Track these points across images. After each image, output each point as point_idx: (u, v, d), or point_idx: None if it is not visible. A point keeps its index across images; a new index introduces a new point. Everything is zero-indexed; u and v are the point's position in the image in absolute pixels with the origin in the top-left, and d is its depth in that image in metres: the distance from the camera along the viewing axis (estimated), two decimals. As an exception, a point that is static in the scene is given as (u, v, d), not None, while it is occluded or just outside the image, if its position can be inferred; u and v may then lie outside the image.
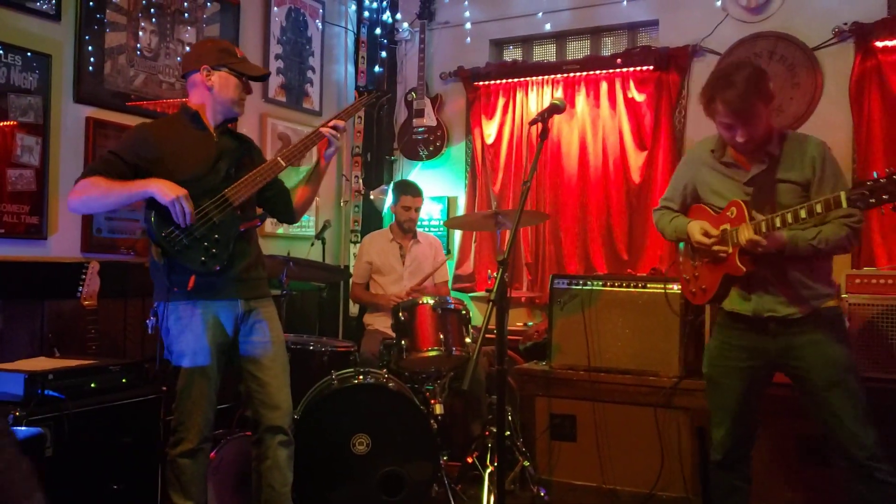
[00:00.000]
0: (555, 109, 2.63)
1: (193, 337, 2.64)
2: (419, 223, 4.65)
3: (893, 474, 2.42)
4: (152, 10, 3.84)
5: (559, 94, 4.84)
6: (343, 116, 2.89)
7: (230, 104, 2.76)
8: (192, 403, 2.66)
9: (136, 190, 2.54)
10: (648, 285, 3.69)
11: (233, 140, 2.81)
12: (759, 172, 2.57)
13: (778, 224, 2.40)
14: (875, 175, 2.22)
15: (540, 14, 4.99)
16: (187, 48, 4.00)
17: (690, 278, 2.78)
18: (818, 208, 2.31)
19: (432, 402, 3.53)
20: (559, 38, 5.15)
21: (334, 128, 2.80)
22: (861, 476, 2.44)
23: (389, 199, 5.28)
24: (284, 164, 2.72)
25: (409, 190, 4.44)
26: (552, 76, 4.90)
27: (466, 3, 5.20)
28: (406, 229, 4.42)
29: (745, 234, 2.46)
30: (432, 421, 3.41)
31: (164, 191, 2.49)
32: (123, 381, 2.86)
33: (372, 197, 5.32)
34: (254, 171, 2.68)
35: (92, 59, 3.54)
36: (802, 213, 2.35)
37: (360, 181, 5.27)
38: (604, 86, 4.76)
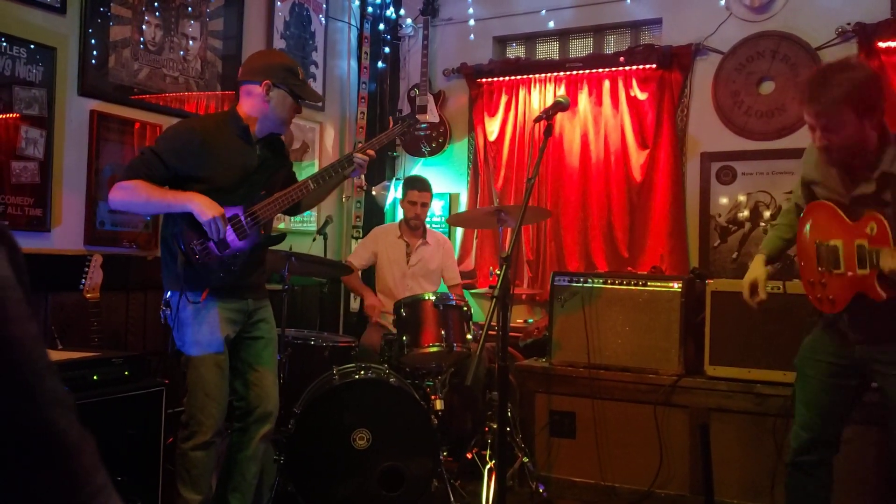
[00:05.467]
0: (559, 107, 2.63)
1: (209, 328, 2.67)
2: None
3: None
4: (156, 3, 3.84)
5: (562, 91, 4.84)
6: (375, 145, 2.94)
7: (280, 122, 2.79)
8: (205, 395, 2.67)
9: (176, 204, 2.58)
10: (649, 283, 3.70)
11: (271, 153, 2.84)
12: (866, 194, 2.36)
13: None
14: None
15: (543, 11, 4.99)
16: (192, 42, 4.01)
17: (816, 283, 2.51)
18: None
19: (433, 397, 3.54)
20: (562, 35, 5.15)
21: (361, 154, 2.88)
22: None
23: (392, 194, 5.30)
24: (313, 187, 2.79)
25: (415, 184, 4.37)
26: (555, 74, 4.91)
27: (470, -1, 5.21)
28: (413, 226, 4.38)
29: (890, 262, 2.19)
30: (433, 416, 3.42)
31: (203, 210, 2.52)
32: (126, 373, 2.87)
33: (374, 193, 5.32)
34: (284, 192, 2.74)
35: (96, 53, 3.54)
36: None
37: (363, 177, 5.28)
38: (606, 84, 4.76)
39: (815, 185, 2.55)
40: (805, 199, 2.62)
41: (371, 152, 2.89)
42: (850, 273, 2.36)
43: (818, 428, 2.57)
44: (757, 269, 2.70)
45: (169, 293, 2.69)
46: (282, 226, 4.64)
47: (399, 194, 4.74)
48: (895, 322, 2.35)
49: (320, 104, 5.02)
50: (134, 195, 2.57)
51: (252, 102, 2.74)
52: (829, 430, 2.57)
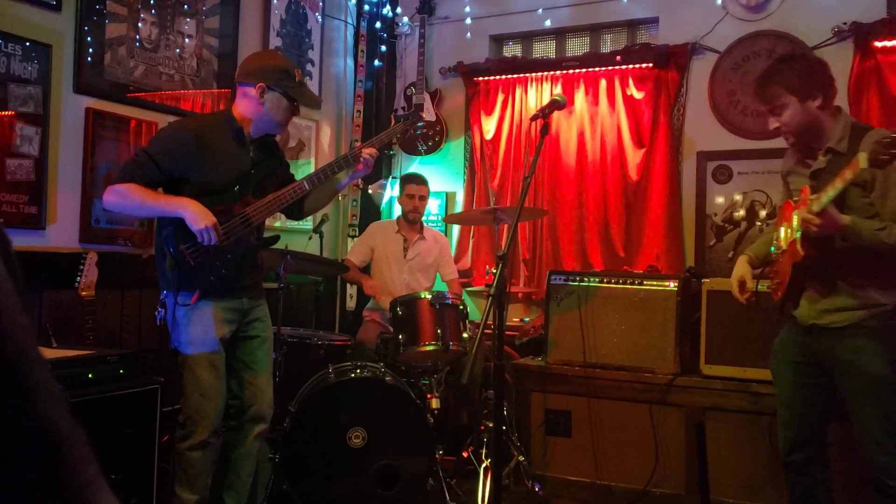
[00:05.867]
0: (556, 105, 2.63)
1: (203, 327, 2.67)
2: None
3: None
4: (152, 1, 3.83)
5: (558, 90, 4.85)
6: (375, 144, 2.94)
7: (275, 124, 2.78)
8: (201, 395, 2.67)
9: (169, 209, 2.58)
10: (645, 282, 3.70)
11: (265, 154, 2.83)
12: (821, 168, 2.47)
13: (824, 200, 2.23)
14: None
15: (540, 10, 4.99)
16: (188, 40, 4.00)
17: (773, 273, 2.65)
18: (848, 175, 2.16)
19: (428, 396, 3.54)
20: (559, 34, 5.15)
21: (369, 155, 2.88)
22: (877, 489, 2.42)
23: (388, 192, 5.30)
24: (308, 188, 2.78)
25: (412, 178, 4.46)
26: (551, 72, 4.91)
27: (467, -2, 5.20)
28: (411, 220, 4.42)
29: (800, 214, 2.32)
30: (428, 415, 3.42)
31: (196, 218, 2.52)
32: (121, 371, 2.86)
33: (370, 191, 5.32)
34: (277, 194, 2.73)
35: (92, 50, 3.53)
36: (839, 184, 2.17)
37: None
38: (603, 83, 4.76)
39: (788, 177, 2.71)
40: (785, 197, 2.75)
41: (374, 150, 2.89)
42: (786, 246, 2.51)
43: (798, 427, 2.60)
44: (741, 267, 2.78)
45: (164, 294, 2.70)
46: (277, 224, 4.64)
47: (396, 192, 4.75)
48: (819, 278, 2.45)
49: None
50: (127, 199, 2.57)
51: (247, 104, 2.73)
52: (811, 428, 2.59)
